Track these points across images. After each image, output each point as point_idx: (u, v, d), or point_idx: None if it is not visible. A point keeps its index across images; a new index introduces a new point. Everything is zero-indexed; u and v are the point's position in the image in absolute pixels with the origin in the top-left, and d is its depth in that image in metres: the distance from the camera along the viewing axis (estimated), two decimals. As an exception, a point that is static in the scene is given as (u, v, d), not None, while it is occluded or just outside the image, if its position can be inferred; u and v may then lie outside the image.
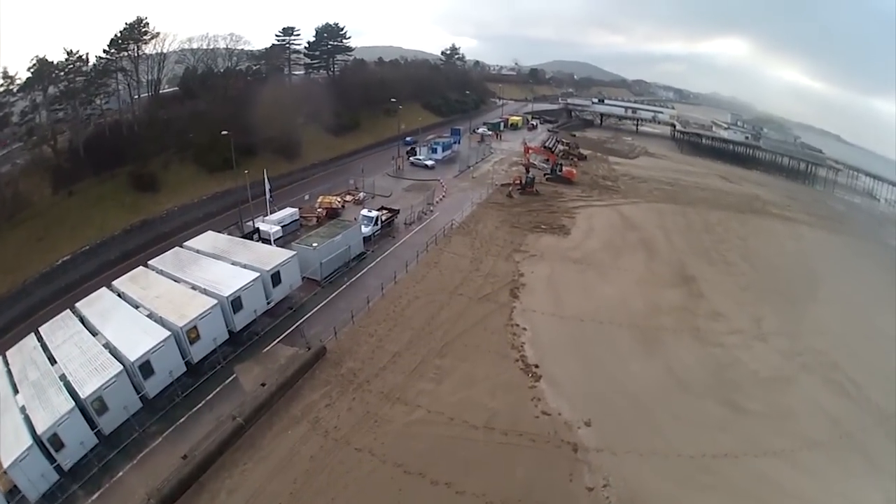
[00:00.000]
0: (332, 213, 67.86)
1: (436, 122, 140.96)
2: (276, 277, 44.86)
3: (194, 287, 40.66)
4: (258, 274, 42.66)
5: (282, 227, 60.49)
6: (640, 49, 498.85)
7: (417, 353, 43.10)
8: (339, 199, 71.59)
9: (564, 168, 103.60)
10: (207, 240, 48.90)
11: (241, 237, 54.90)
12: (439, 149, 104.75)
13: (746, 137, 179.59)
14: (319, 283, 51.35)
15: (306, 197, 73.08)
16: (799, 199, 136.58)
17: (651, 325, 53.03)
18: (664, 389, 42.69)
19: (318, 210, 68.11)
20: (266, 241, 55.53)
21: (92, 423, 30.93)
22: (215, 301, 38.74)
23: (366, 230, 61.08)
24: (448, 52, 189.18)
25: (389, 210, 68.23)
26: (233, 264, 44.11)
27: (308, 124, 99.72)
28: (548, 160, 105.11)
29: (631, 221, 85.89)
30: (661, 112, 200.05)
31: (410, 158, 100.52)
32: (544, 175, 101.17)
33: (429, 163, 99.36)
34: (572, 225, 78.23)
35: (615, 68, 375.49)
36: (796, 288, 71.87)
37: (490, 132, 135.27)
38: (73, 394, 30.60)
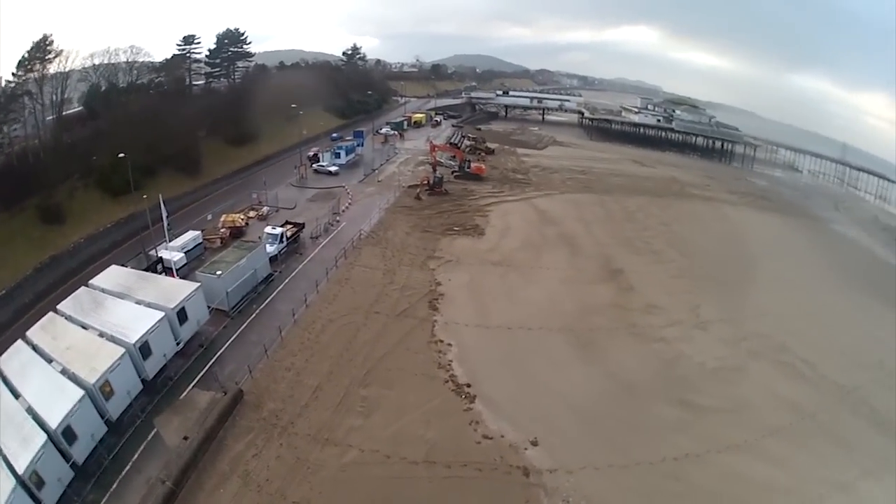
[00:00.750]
0: (237, 233, 69.04)
1: (338, 125, 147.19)
2: (182, 315, 44.45)
3: (102, 334, 40.16)
4: (163, 314, 42.34)
5: (185, 252, 60.61)
6: (544, 40, 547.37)
7: (339, 385, 42.71)
8: (242, 217, 72.86)
9: (473, 164, 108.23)
10: (112, 276, 48.73)
11: (147, 267, 54.96)
12: (343, 153, 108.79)
13: (658, 120, 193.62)
14: (228, 314, 51.22)
15: (209, 217, 74.51)
16: (718, 179, 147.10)
17: (584, 326, 54.23)
18: (610, 396, 43.66)
19: (222, 230, 69.01)
20: (170, 269, 55.52)
21: (34, 498, 30.52)
22: (123, 350, 38.42)
23: (271, 249, 61.56)
24: (349, 52, 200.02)
25: (294, 224, 69.71)
26: (137, 303, 43.74)
27: (209, 137, 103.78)
28: (454, 157, 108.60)
29: (548, 215, 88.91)
30: (568, 100, 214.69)
31: (314, 165, 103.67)
32: (452, 173, 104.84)
33: (332, 169, 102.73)
34: (486, 224, 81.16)
35: (518, 59, 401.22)
36: (729, 271, 75.69)
37: (394, 132, 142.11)
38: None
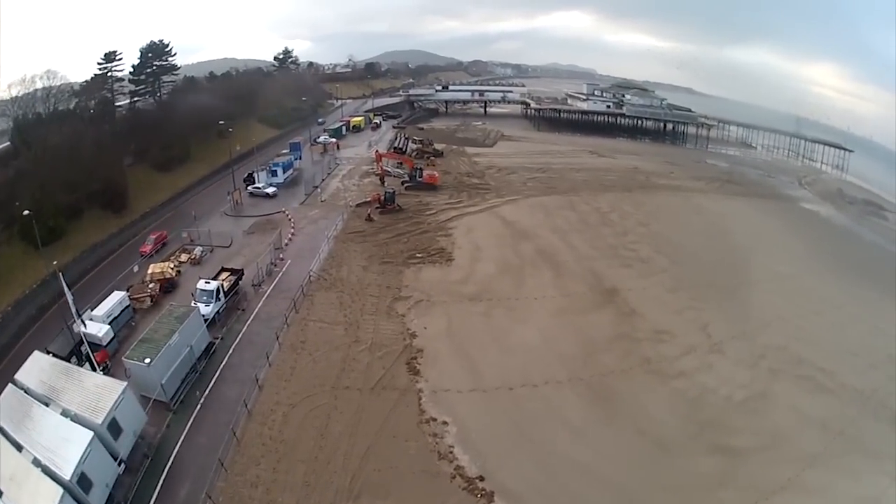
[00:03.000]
0: (167, 286, 61.40)
1: (273, 137, 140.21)
2: (114, 427, 38.33)
3: (34, 460, 34.25)
4: (92, 433, 36.10)
5: (111, 321, 52.57)
6: (476, 31, 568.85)
7: (322, 502, 35.69)
8: (172, 266, 64.71)
9: (425, 172, 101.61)
10: (36, 368, 42.31)
11: (72, 351, 48.66)
12: (279, 171, 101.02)
13: (608, 106, 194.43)
14: (169, 407, 43.89)
15: (135, 268, 65.69)
16: (678, 163, 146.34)
17: (594, 371, 48.98)
18: (643, 459, 39.66)
19: (150, 285, 60.37)
20: (97, 345, 48.62)
21: None
22: (60, 490, 32.25)
23: (206, 311, 52.89)
24: (281, 56, 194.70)
25: (231, 272, 61.14)
26: (63, 414, 37.74)
27: (136, 164, 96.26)
28: (402, 164, 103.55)
29: (517, 227, 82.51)
30: (511, 91, 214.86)
31: (249, 188, 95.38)
32: (402, 183, 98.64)
33: (270, 190, 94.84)
34: (452, 246, 74.15)
35: (450, 52, 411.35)
36: (722, 273, 73.32)
37: (332, 139, 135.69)
38: None
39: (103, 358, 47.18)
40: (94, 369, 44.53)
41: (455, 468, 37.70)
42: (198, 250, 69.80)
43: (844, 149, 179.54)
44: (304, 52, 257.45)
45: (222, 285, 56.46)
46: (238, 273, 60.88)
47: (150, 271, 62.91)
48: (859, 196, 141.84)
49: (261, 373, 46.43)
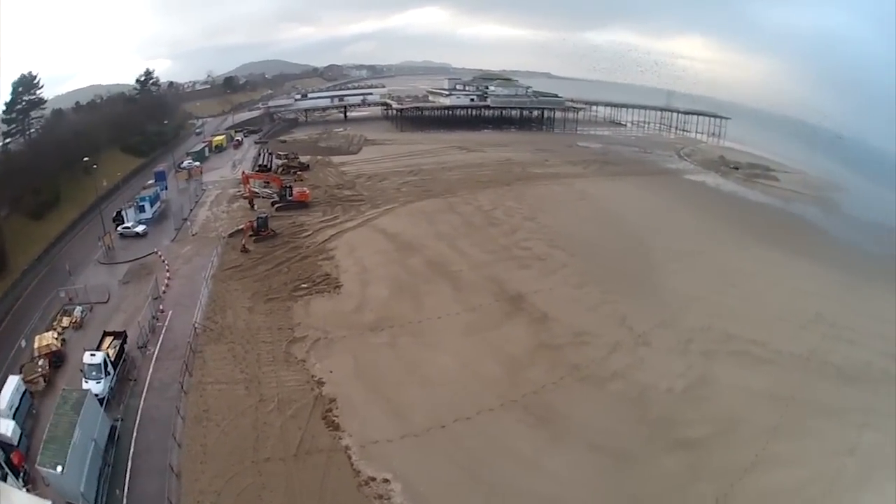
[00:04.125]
0: (57, 360, 53.94)
1: (138, 166, 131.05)
2: None
3: None
4: None
5: (14, 414, 45.56)
6: (330, 35, 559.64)
7: None
8: (56, 335, 57.01)
9: (295, 190, 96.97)
10: None
11: None
12: (147, 205, 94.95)
13: (472, 99, 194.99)
14: None
15: (23, 343, 57.13)
16: (550, 150, 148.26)
17: (526, 390, 45.66)
18: (609, 475, 38.05)
19: (40, 363, 52.93)
20: (9, 446, 42.07)
21: None
22: None
23: (99, 388, 46.80)
24: (142, 78, 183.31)
25: (114, 336, 54.22)
26: None
27: (11, 214, 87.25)
28: (269, 183, 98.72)
29: (401, 239, 77.76)
30: (371, 93, 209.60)
31: (119, 228, 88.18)
32: (273, 204, 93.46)
33: (139, 229, 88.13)
34: (337, 269, 68.53)
35: (305, 59, 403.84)
36: (626, 259, 73.15)
37: (196, 163, 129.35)
38: None
39: (20, 461, 41.49)
40: (16, 478, 39.34)
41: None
42: (77, 311, 62.63)
43: (720, 116, 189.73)
44: (165, 71, 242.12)
45: (108, 355, 49.74)
46: (121, 336, 54.22)
47: (35, 345, 56.05)
48: (743, 160, 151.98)
49: (173, 457, 39.75)
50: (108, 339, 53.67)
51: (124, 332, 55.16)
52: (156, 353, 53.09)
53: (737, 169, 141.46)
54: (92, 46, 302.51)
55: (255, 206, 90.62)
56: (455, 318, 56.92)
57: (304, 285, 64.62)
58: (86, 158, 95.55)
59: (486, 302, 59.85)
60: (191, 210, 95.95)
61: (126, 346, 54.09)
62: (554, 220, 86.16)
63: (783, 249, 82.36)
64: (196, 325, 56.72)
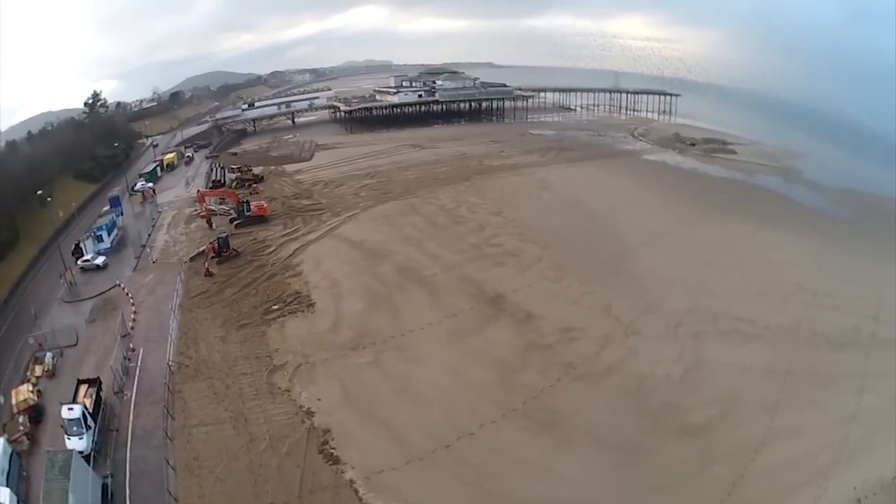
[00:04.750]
0: (36, 414, 51.05)
1: (93, 192, 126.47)
2: None
3: None
4: None
5: (5, 478, 42.66)
6: (270, 41, 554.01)
7: None
8: (31, 388, 53.93)
9: (252, 204, 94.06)
10: None
11: None
12: (104, 234, 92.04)
13: (420, 95, 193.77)
14: None
15: (1, 399, 54.39)
16: (504, 140, 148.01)
17: (524, 395, 44.31)
18: (621, 470, 37.59)
19: (20, 419, 50.23)
20: None
21: None
22: None
23: (83, 444, 43.55)
24: (90, 101, 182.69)
25: (89, 383, 50.55)
26: None
27: None
28: (225, 199, 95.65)
29: (367, 247, 75.47)
30: (318, 97, 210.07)
31: (78, 262, 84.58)
32: (231, 221, 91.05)
33: (99, 261, 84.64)
34: (306, 286, 65.85)
35: (248, 67, 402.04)
36: (598, 246, 72.85)
37: (149, 184, 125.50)
38: None
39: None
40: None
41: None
42: (48, 357, 59.73)
43: (670, 94, 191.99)
44: (112, 91, 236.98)
45: (86, 406, 46.18)
46: (96, 383, 50.56)
47: (13, 401, 52.92)
48: (698, 136, 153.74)
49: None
50: (84, 388, 50.59)
51: (98, 378, 51.97)
52: (133, 397, 50.27)
53: (693, 145, 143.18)
54: (37, 73, 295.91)
55: (214, 225, 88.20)
56: (436, 328, 55.15)
57: (275, 307, 62.08)
58: (39, 192, 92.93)
59: (466, 306, 58.52)
60: (149, 235, 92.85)
61: (102, 394, 51.05)
62: (520, 212, 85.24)
63: (753, 221, 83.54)
64: (170, 363, 53.63)
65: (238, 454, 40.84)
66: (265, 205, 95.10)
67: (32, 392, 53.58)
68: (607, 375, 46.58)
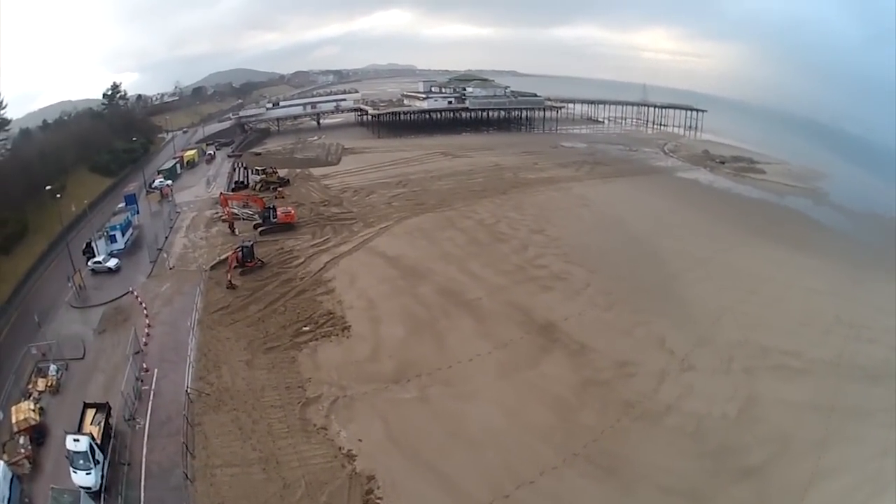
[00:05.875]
0: (38, 437, 46.89)
1: (108, 187, 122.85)
2: None
3: None
4: None
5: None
6: (295, 40, 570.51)
7: None
8: (32, 406, 49.47)
9: (279, 210, 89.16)
10: None
11: None
12: (118, 234, 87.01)
13: (450, 102, 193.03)
14: None
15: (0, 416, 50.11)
16: (536, 152, 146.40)
17: (585, 439, 41.78)
18: None
19: (21, 440, 46.34)
20: None
21: None
22: None
23: (90, 481, 39.09)
24: (109, 92, 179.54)
25: (97, 408, 45.72)
26: None
27: None
28: (248, 204, 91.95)
29: (404, 263, 72.09)
30: (344, 99, 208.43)
31: (89, 263, 79.44)
32: (255, 227, 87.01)
33: (112, 264, 79.24)
34: (340, 306, 61.56)
35: (272, 66, 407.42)
36: (644, 271, 70.77)
37: (168, 182, 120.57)
38: None
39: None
40: None
41: None
42: (52, 370, 54.10)
43: (696, 109, 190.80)
44: (133, 84, 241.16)
45: (93, 437, 41.62)
46: (105, 409, 45.92)
47: (13, 419, 48.55)
48: (726, 154, 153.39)
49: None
50: (91, 413, 46.10)
51: (107, 404, 47.03)
52: (147, 426, 45.42)
53: (723, 163, 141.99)
54: (58, 61, 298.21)
55: (237, 231, 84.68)
56: (486, 360, 51.69)
57: (306, 328, 57.67)
58: (48, 187, 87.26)
59: (516, 335, 55.24)
60: (165, 238, 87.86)
61: (112, 420, 46.30)
62: (562, 231, 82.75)
63: (787, 246, 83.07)
64: (189, 391, 48.59)
65: (267, 501, 37.19)
66: (293, 211, 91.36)
67: (34, 410, 49.52)
68: (666, 415, 44.81)
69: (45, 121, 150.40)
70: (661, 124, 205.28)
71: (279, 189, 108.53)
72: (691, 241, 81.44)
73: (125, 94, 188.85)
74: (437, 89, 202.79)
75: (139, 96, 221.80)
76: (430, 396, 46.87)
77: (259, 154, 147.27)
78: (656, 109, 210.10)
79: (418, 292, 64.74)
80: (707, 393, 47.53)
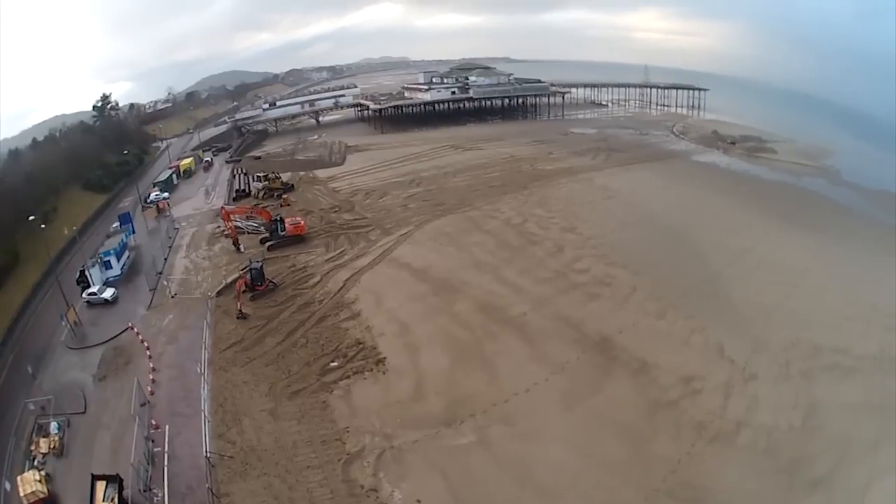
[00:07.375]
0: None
1: (101, 205, 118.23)
2: None
3: None
4: None
5: None
6: (286, 39, 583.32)
7: None
8: (38, 475, 44.56)
9: (287, 222, 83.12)
10: None
11: None
12: (113, 259, 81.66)
13: (453, 92, 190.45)
14: None
15: (7, 487, 44.48)
16: (546, 140, 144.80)
17: (664, 471, 38.78)
18: None
19: None
20: None
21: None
22: None
23: None
24: (99, 104, 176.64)
25: (107, 480, 39.95)
26: None
27: None
28: (251, 216, 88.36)
29: (433, 276, 67.29)
30: (343, 95, 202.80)
31: (83, 294, 74.12)
32: (262, 241, 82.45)
33: (108, 295, 73.22)
34: (369, 333, 55.94)
35: (265, 66, 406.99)
36: (685, 269, 68.44)
37: (165, 195, 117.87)
38: None
39: None
40: None
41: None
42: (54, 428, 48.99)
43: (698, 88, 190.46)
44: (126, 93, 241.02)
45: None
46: (116, 481, 40.32)
47: (21, 492, 43.40)
48: (735, 133, 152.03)
49: None
50: (101, 487, 40.27)
51: (118, 476, 40.51)
52: (165, 499, 38.79)
53: (734, 144, 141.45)
54: (50, 76, 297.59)
55: (242, 247, 79.24)
56: (544, 388, 46.92)
57: (333, 363, 51.49)
58: (31, 217, 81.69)
59: (572, 356, 50.96)
60: (165, 259, 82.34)
61: (127, 493, 40.20)
62: (594, 228, 79.82)
63: (814, 232, 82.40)
64: (209, 455, 41.66)
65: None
66: (302, 222, 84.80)
67: (41, 481, 44.28)
68: (738, 433, 42.48)
69: (34, 139, 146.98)
70: (664, 105, 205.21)
71: (284, 196, 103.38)
72: (724, 233, 79.28)
73: (116, 104, 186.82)
74: (439, 80, 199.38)
75: (132, 105, 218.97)
76: (490, 439, 41.94)
77: (259, 158, 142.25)
78: (659, 90, 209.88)
79: (455, 310, 59.51)
80: (772, 403, 45.77)
